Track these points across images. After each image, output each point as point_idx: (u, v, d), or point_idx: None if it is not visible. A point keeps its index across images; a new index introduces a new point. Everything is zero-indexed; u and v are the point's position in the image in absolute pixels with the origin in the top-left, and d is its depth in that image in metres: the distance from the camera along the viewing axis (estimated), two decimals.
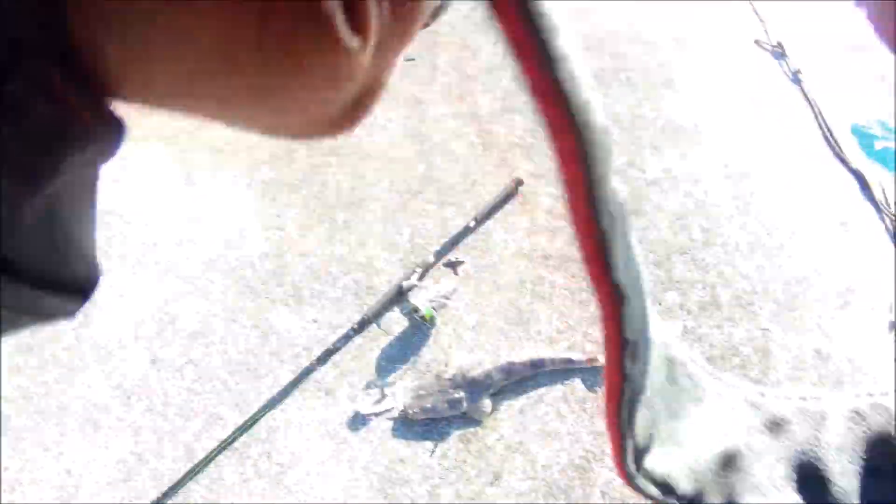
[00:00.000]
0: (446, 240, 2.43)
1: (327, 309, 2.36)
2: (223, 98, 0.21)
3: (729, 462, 0.39)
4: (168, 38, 0.18)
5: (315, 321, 2.34)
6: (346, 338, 2.27)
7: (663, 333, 0.40)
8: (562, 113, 0.26)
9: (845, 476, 0.39)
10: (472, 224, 2.44)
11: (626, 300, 0.30)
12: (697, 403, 0.39)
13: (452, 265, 2.29)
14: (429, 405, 2.10)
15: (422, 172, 2.67)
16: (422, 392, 2.12)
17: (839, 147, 2.80)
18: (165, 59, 0.19)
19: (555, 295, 2.32)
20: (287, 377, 2.23)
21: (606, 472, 1.98)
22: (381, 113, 2.86)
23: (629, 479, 0.40)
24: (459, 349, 2.23)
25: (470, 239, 2.46)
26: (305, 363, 2.24)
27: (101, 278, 0.27)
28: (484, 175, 2.64)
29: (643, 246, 2.40)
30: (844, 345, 2.29)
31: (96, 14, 0.18)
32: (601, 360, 2.14)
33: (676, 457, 0.38)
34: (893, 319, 2.39)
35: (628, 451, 0.38)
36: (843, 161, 2.78)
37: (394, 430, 2.13)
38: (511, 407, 2.14)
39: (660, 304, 2.25)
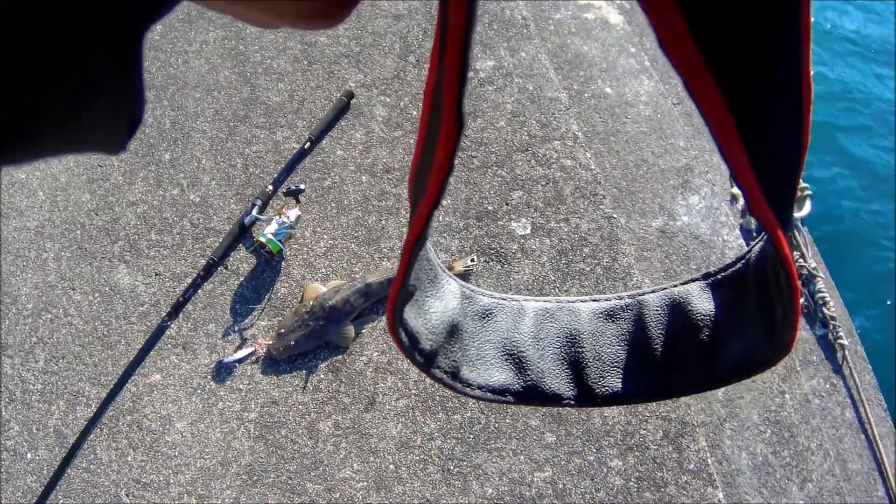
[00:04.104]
0: (282, 166, 2.26)
1: (168, 258, 2.21)
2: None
3: (454, 336, 0.46)
4: None
5: (158, 274, 2.20)
6: (194, 286, 2.15)
7: None
8: None
9: (542, 360, 0.48)
10: (308, 145, 2.27)
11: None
12: (432, 283, 0.45)
13: (293, 193, 2.14)
14: (292, 342, 2.03)
15: (246, 96, 2.45)
16: (282, 329, 2.04)
17: None
18: None
19: (401, 208, 2.22)
20: (139, 339, 2.12)
21: None
22: (195, 35, 2.57)
23: (394, 319, 0.41)
24: (313, 279, 2.13)
25: (307, 161, 2.30)
26: (156, 321, 2.14)
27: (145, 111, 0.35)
28: (312, 91, 2.44)
29: (484, 147, 2.29)
30: (688, 222, 2.29)
31: None
32: (457, 266, 2.07)
33: (418, 317, 0.44)
34: (733, 193, 2.40)
35: (406, 286, 0.39)
36: None
37: (261, 373, 2.07)
38: (374, 328, 2.09)
39: (507, 203, 2.17)
